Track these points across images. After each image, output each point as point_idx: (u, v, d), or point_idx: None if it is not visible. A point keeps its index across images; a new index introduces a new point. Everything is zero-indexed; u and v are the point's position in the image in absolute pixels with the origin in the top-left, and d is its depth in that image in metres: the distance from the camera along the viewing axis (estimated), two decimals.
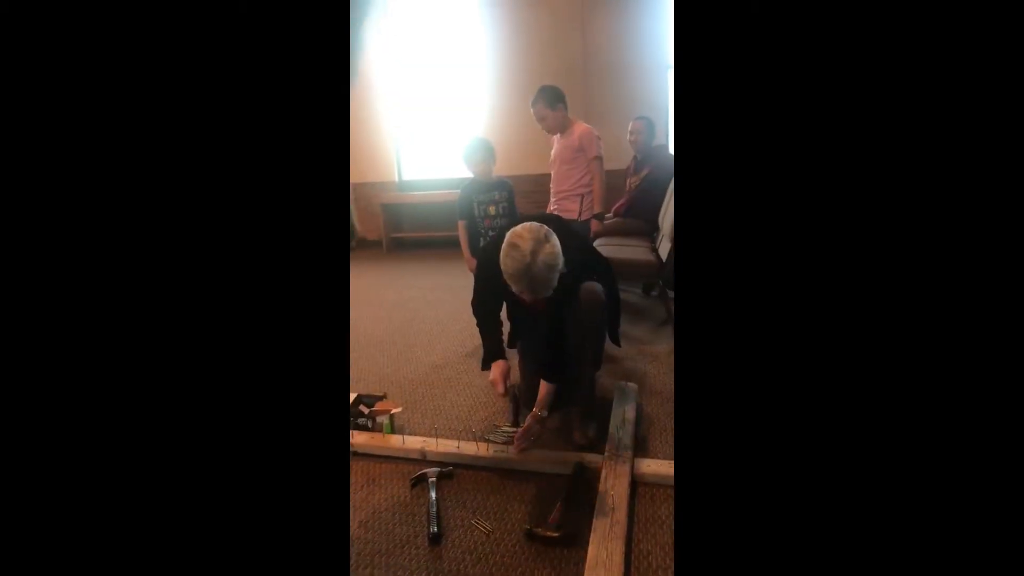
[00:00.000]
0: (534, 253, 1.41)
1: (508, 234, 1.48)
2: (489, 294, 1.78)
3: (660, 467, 1.58)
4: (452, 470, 1.68)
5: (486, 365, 1.84)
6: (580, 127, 2.74)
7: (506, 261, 1.45)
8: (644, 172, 3.52)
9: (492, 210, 2.58)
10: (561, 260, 1.47)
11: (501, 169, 6.50)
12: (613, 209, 3.63)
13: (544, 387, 1.67)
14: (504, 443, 1.76)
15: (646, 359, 2.47)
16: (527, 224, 1.49)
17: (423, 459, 1.75)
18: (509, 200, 2.62)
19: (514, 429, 1.84)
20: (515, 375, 2.04)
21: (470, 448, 1.74)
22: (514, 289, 1.50)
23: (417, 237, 5.73)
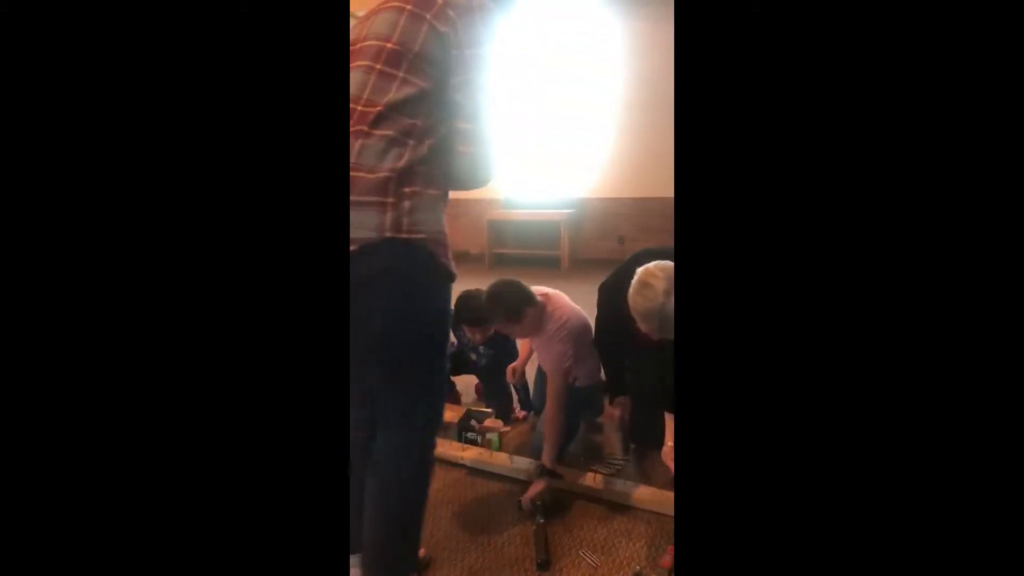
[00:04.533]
0: (668, 293, 1.36)
1: (639, 271, 1.44)
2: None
3: None
4: (560, 496, 1.68)
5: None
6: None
7: (636, 300, 1.41)
8: None
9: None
10: None
11: (601, 191, 6.35)
12: None
13: (670, 419, 1.63)
14: (613, 473, 1.73)
15: None
16: (660, 263, 1.45)
17: (530, 481, 1.76)
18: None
19: (624, 459, 1.81)
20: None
21: (577, 476, 1.74)
22: (642, 328, 1.46)
23: (518, 254, 5.82)
